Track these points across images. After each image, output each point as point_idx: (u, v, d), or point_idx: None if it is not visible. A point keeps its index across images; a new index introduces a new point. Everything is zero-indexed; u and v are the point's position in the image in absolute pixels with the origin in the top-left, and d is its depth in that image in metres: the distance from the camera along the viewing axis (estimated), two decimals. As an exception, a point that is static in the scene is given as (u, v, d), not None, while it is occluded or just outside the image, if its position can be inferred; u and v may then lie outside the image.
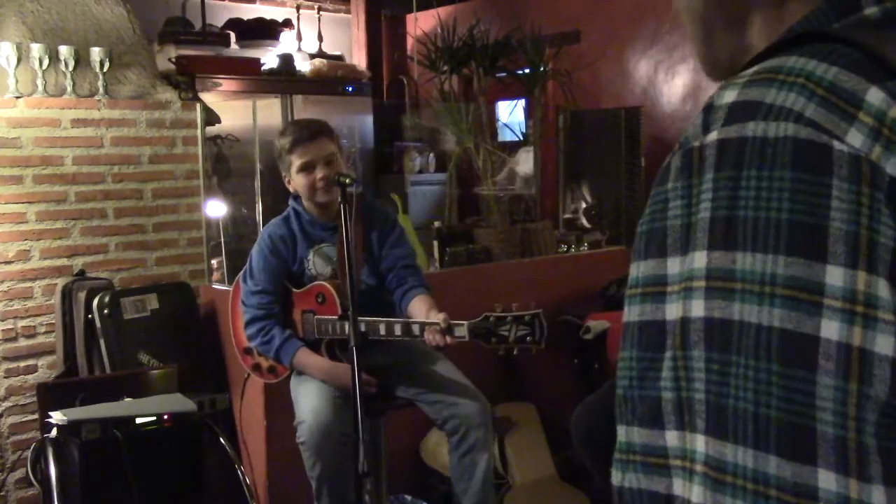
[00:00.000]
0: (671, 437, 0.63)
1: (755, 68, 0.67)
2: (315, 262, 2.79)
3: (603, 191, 5.08)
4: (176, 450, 2.95)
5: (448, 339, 2.46)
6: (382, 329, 2.57)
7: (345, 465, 2.65)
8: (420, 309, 2.64)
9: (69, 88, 3.50)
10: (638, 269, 0.70)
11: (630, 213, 4.90)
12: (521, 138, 5.17)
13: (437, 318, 2.48)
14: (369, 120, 6.09)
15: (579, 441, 2.59)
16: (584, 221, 5.15)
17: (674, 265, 0.64)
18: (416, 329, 2.53)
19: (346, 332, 2.65)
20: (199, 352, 3.58)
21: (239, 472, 3.07)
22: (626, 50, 5.46)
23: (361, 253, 2.78)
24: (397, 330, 2.56)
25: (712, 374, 0.60)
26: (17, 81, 3.38)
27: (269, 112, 5.66)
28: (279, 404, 3.31)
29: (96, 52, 3.53)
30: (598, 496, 3.46)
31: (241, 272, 2.88)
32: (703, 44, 0.80)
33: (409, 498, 3.36)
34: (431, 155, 6.08)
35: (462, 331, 2.44)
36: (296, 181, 2.73)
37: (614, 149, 5.00)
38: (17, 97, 3.39)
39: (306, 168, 2.69)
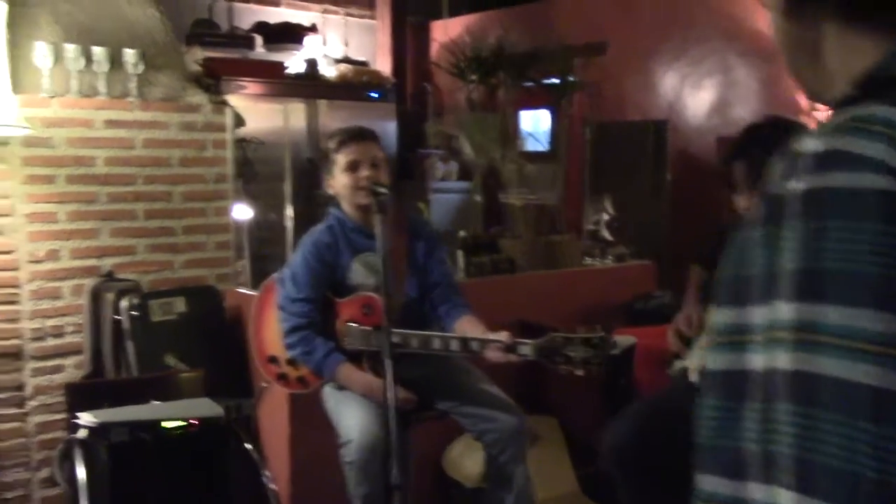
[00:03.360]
0: (755, 490, 0.62)
1: (841, 117, 0.66)
2: (357, 271, 2.77)
3: (626, 203, 5.07)
4: (202, 454, 2.93)
5: (512, 356, 2.45)
6: (438, 343, 2.56)
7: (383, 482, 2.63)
8: (474, 328, 2.64)
9: (102, 89, 3.50)
10: (720, 317, 0.69)
11: (655, 227, 4.89)
12: (546, 148, 5.17)
13: (501, 335, 2.48)
14: (392, 126, 6.09)
15: (611, 460, 2.58)
16: (606, 234, 5.14)
17: (757, 315, 0.64)
18: (475, 345, 2.52)
19: (394, 343, 2.63)
20: (224, 356, 3.58)
21: (263, 478, 3.07)
22: (653, 62, 5.46)
23: (406, 265, 2.77)
24: (454, 345, 2.55)
25: (799, 429, 0.59)
26: (51, 81, 3.39)
27: (294, 116, 5.67)
28: (305, 412, 3.30)
29: (129, 54, 3.54)
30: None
31: (277, 278, 2.85)
32: (794, 75, 0.80)
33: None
34: (454, 163, 6.09)
35: (527, 349, 2.44)
36: (339, 181, 2.72)
37: (640, 162, 4.99)
38: (52, 97, 3.40)
39: (351, 167, 2.68)
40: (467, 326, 2.69)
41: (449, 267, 2.90)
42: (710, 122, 5.22)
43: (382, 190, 2.55)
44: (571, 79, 4.51)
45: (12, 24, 3.19)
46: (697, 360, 2.52)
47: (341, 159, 2.70)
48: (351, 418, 2.64)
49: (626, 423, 2.60)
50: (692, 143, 5.26)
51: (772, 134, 2.33)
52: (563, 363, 2.40)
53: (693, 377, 2.51)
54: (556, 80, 4.65)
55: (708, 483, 0.66)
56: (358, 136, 2.72)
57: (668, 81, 5.39)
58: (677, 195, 5.04)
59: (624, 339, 3.71)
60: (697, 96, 5.29)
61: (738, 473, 0.63)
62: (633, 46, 5.44)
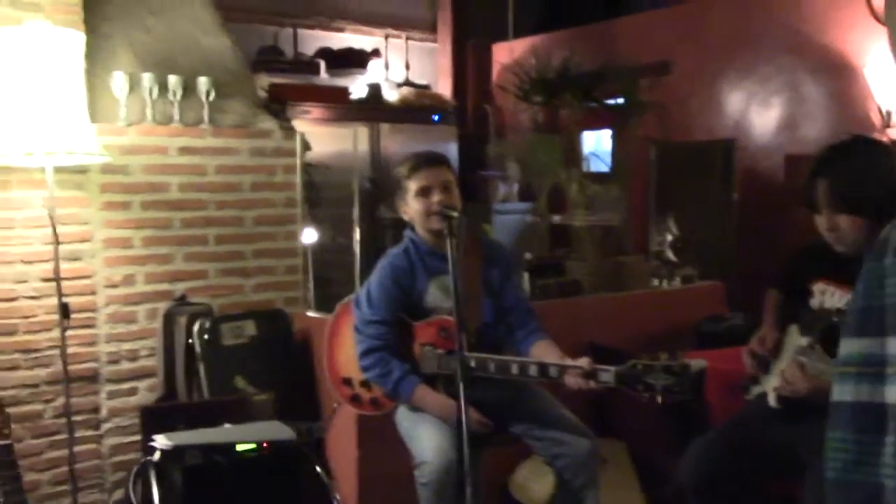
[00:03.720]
0: None
1: None
2: (433, 294, 2.78)
3: (693, 223, 5.00)
4: (274, 477, 2.96)
5: (592, 383, 2.43)
6: (515, 368, 2.55)
7: None
8: (551, 353, 2.64)
9: (176, 117, 3.59)
10: (851, 347, 0.67)
11: (723, 247, 4.81)
12: (608, 169, 5.13)
13: (581, 362, 2.46)
14: (454, 148, 6.12)
15: (689, 487, 2.53)
16: (670, 254, 5.07)
17: (894, 345, 0.61)
18: (554, 371, 2.51)
19: (471, 367, 2.64)
20: (293, 379, 3.61)
21: (334, 501, 3.08)
22: (718, 82, 5.39)
23: (482, 289, 2.77)
24: (532, 370, 2.54)
25: None
26: (127, 110, 3.48)
27: (357, 140, 5.73)
28: (372, 436, 3.31)
29: (203, 82, 3.62)
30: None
31: (353, 300, 2.88)
32: None
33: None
34: (516, 184, 6.08)
35: (608, 376, 2.42)
36: (412, 207, 2.74)
37: (706, 181, 4.93)
38: (128, 125, 3.49)
39: (423, 192, 2.70)
40: (545, 352, 2.68)
41: (523, 292, 2.90)
42: (778, 140, 5.13)
43: (454, 213, 2.55)
44: (638, 100, 4.47)
45: (90, 54, 3.29)
46: (775, 384, 2.46)
47: (413, 185, 2.72)
48: (426, 440, 2.64)
49: (704, 450, 2.55)
50: (760, 162, 5.17)
51: (854, 152, 2.27)
52: (643, 391, 2.37)
53: (771, 401, 2.45)
54: (620, 101, 4.62)
55: None
56: (428, 161, 2.74)
57: (735, 100, 5.32)
58: (745, 215, 4.96)
59: (695, 362, 3.64)
60: (765, 114, 5.20)
61: None
62: (699, 65, 5.39)
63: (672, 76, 5.36)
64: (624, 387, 2.39)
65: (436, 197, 2.68)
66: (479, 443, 2.64)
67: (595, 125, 5.42)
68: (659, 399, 2.34)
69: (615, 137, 5.24)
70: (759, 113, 5.24)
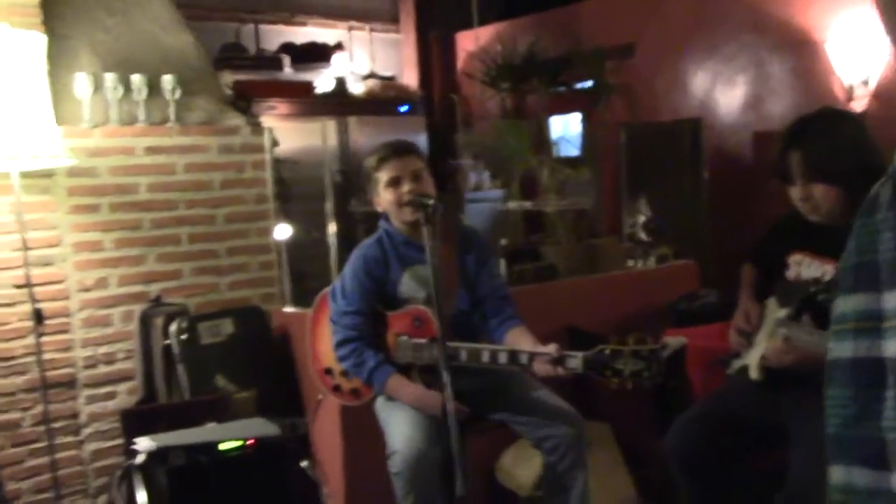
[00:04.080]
0: None
1: None
2: (408, 284, 2.78)
3: (664, 203, 5.03)
4: (260, 475, 2.94)
5: (560, 370, 2.42)
6: (486, 356, 2.54)
7: (440, 495, 2.62)
8: (524, 340, 2.62)
9: (142, 116, 3.54)
10: (847, 304, 0.67)
11: (695, 225, 4.85)
12: (578, 153, 5.15)
13: (549, 348, 2.44)
14: (423, 139, 6.10)
15: (674, 465, 2.54)
16: (643, 235, 5.10)
17: (890, 300, 0.61)
18: (523, 358, 2.50)
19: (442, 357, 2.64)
20: (273, 375, 3.59)
21: (322, 495, 3.06)
22: (683, 62, 5.42)
23: (456, 277, 2.77)
24: (502, 358, 2.53)
25: None
26: (91, 111, 3.43)
27: (325, 134, 5.70)
28: (357, 427, 3.30)
29: (167, 80, 3.57)
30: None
31: (329, 291, 2.87)
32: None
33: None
34: (486, 172, 6.08)
35: (576, 362, 2.40)
36: (383, 198, 2.73)
37: (676, 161, 4.96)
38: (93, 127, 3.44)
39: (393, 183, 2.69)
40: (517, 338, 2.66)
41: (500, 278, 2.89)
42: (745, 118, 5.18)
43: (429, 202, 2.54)
44: (604, 82, 4.48)
45: (50, 56, 3.23)
46: (758, 357, 2.48)
47: (383, 176, 2.71)
48: (397, 429, 2.65)
49: (687, 426, 2.56)
50: (727, 140, 5.21)
51: (825, 123, 2.30)
52: (612, 376, 2.35)
53: (754, 374, 2.47)
54: (587, 84, 4.63)
55: (843, 474, 0.64)
56: (396, 151, 2.72)
57: (700, 79, 5.36)
58: (715, 193, 5.00)
59: (675, 340, 3.66)
60: (730, 93, 5.25)
61: (879, 463, 0.61)
62: (664, 46, 5.41)
63: (637, 58, 5.38)
64: (592, 373, 2.37)
65: (406, 187, 2.67)
66: (461, 431, 2.64)
67: (563, 110, 5.43)
68: (628, 385, 2.32)
69: (584, 121, 5.26)
70: (724, 91, 5.28)
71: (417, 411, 2.66)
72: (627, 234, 4.99)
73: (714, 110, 5.29)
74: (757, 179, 5.03)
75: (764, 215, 4.76)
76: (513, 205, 4.91)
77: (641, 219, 5.15)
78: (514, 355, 2.52)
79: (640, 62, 5.34)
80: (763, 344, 2.49)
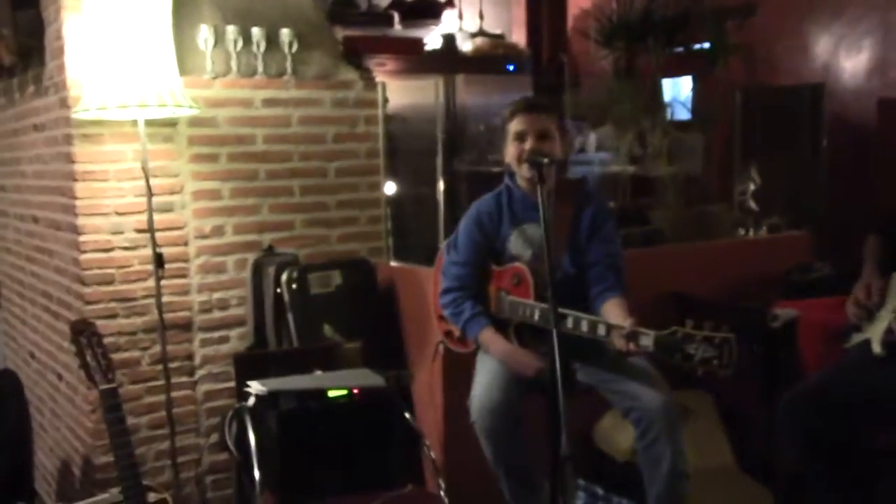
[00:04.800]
0: None
1: None
2: (516, 242, 2.79)
3: (780, 171, 4.86)
4: (365, 423, 3.01)
5: (632, 345, 2.38)
6: (570, 323, 2.53)
7: (518, 448, 2.64)
8: (615, 312, 2.58)
9: (260, 69, 3.61)
10: None
11: (812, 195, 4.67)
12: (690, 116, 5.00)
13: (625, 322, 2.41)
14: (529, 98, 6.03)
15: (789, 437, 2.49)
16: (752, 204, 4.95)
17: None
18: (601, 330, 2.48)
19: (536, 318, 2.64)
20: (378, 328, 3.65)
21: (425, 447, 3.12)
22: (806, 24, 5.19)
23: (565, 239, 2.75)
24: (584, 326, 2.51)
25: None
26: (213, 63, 3.51)
27: (432, 91, 5.69)
28: (458, 379, 3.33)
29: (285, 34, 3.63)
30: (784, 489, 3.33)
31: (446, 242, 2.94)
32: None
33: (600, 491, 3.33)
34: (592, 134, 5.98)
35: (647, 340, 2.35)
36: (508, 151, 2.75)
37: (794, 128, 4.77)
38: (214, 78, 3.52)
39: (519, 137, 2.70)
40: (609, 310, 2.62)
41: (614, 246, 2.82)
42: (870, 83, 4.93)
43: (544, 160, 2.52)
44: (723, 43, 4.32)
45: (176, 8, 3.31)
46: (881, 331, 2.39)
47: (511, 129, 2.72)
48: (480, 378, 2.73)
49: (803, 400, 2.50)
50: (850, 107, 4.98)
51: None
52: (682, 360, 2.29)
53: (877, 349, 2.38)
54: (704, 45, 4.48)
55: None
56: (527, 107, 2.73)
57: (824, 42, 5.12)
58: (835, 162, 4.80)
59: (785, 312, 3.56)
60: (855, 57, 5.00)
61: None
62: (786, 6, 5.19)
63: (758, 18, 5.17)
64: (662, 353, 2.32)
65: (529, 144, 2.66)
66: (537, 388, 2.62)
67: (677, 71, 5.28)
68: (698, 371, 2.26)
69: (697, 83, 5.11)
70: (849, 55, 5.04)
71: (505, 366, 2.69)
72: (737, 203, 4.86)
73: (837, 75, 5.06)
74: (880, 149, 4.81)
75: (887, 187, 4.57)
76: (619, 168, 4.82)
77: (752, 187, 5.00)
78: (594, 326, 2.50)
79: (760, 23, 5.13)
80: (888, 318, 2.40)
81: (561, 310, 2.54)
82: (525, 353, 2.67)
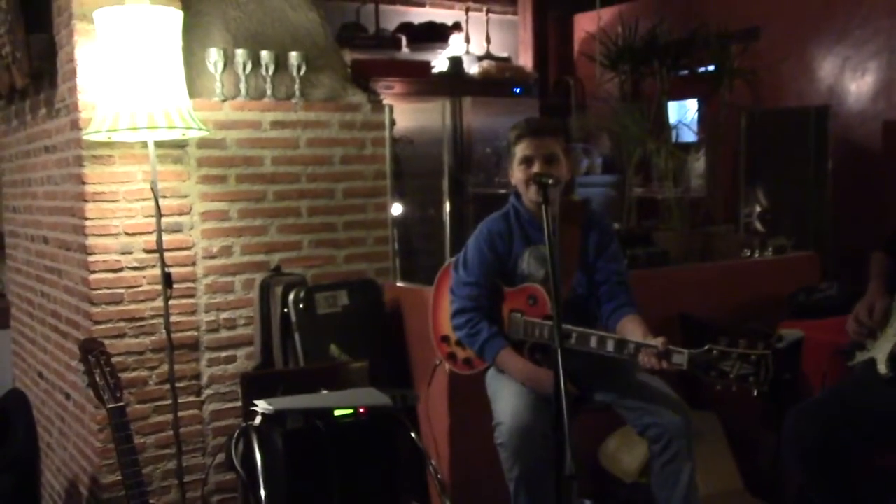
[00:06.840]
0: None
1: None
2: (529, 262, 2.80)
3: (785, 193, 4.88)
4: (371, 442, 3.02)
5: (664, 364, 2.39)
6: (594, 342, 2.54)
7: (543, 467, 2.64)
8: (634, 329, 2.60)
9: (269, 92, 3.65)
10: None
11: (817, 217, 4.69)
12: (695, 138, 5.03)
13: (656, 341, 2.42)
14: (536, 121, 6.06)
15: (793, 455, 2.49)
16: (758, 225, 4.97)
17: None
18: (630, 348, 2.49)
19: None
20: (384, 348, 3.67)
21: (430, 467, 3.12)
22: (811, 47, 5.23)
23: (576, 260, 2.77)
24: (609, 346, 2.52)
25: None
26: (222, 85, 3.56)
27: (439, 114, 5.72)
28: (464, 399, 3.35)
29: (294, 57, 3.67)
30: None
31: (453, 261, 2.94)
32: None
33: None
34: (599, 156, 6.02)
35: (681, 359, 2.37)
36: (515, 174, 2.77)
37: (799, 150, 4.80)
38: (223, 100, 3.57)
39: (525, 161, 2.71)
40: (629, 327, 2.64)
41: (620, 264, 2.85)
42: (875, 106, 4.96)
43: (550, 181, 2.54)
44: (728, 66, 4.36)
45: (186, 31, 3.36)
46: (887, 351, 2.40)
47: (517, 153, 2.73)
48: (504, 401, 2.69)
49: (808, 418, 2.50)
50: (855, 129, 5.01)
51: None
52: (717, 378, 2.30)
53: (882, 368, 2.39)
54: (709, 68, 4.52)
55: None
56: (533, 131, 2.73)
57: (829, 65, 5.16)
58: (840, 183, 4.82)
59: (791, 332, 3.57)
60: (861, 80, 5.04)
61: None
62: (791, 30, 5.24)
63: (762, 42, 5.21)
64: (697, 371, 2.33)
65: (536, 167, 2.68)
66: (571, 412, 2.63)
67: (682, 94, 5.32)
68: (733, 388, 2.27)
69: (702, 106, 5.14)
70: (853, 78, 5.07)
71: (525, 387, 2.69)
72: (743, 224, 4.87)
73: (842, 97, 5.09)
74: (885, 171, 4.83)
75: (892, 207, 4.58)
76: (625, 190, 4.84)
77: (757, 208, 5.02)
78: (621, 344, 2.51)
79: (765, 46, 5.18)
80: (894, 339, 2.40)
81: (583, 329, 2.57)
82: (546, 372, 2.68)
